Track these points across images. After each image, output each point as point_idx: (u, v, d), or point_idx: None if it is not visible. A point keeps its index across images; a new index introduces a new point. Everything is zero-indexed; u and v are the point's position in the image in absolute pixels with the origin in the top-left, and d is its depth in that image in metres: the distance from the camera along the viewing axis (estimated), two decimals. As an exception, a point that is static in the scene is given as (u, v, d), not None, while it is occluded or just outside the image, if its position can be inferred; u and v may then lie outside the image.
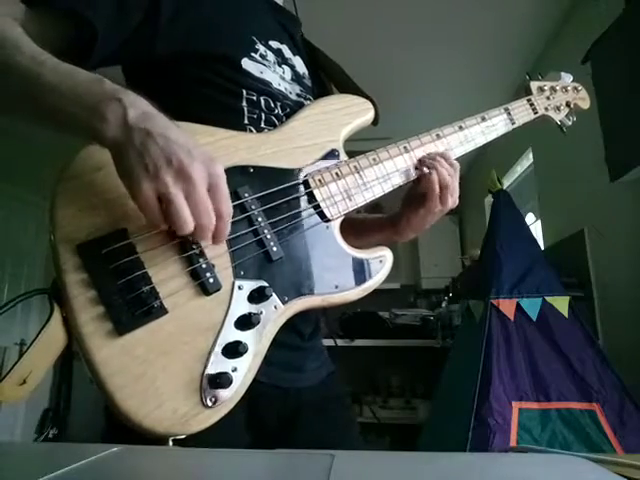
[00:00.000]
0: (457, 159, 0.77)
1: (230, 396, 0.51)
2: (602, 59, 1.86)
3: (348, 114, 0.73)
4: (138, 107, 0.47)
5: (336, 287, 0.63)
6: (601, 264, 2.16)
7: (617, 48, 1.79)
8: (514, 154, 3.30)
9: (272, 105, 0.70)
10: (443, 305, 3.40)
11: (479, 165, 3.87)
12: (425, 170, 0.72)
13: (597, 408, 1.55)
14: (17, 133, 3.18)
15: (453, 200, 0.74)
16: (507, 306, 1.76)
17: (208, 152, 0.49)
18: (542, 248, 2.34)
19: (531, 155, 3.07)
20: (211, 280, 0.53)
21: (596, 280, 2.18)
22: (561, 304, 1.76)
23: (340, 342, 3.07)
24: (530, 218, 3.09)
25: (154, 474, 0.37)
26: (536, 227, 2.93)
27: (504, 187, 2.26)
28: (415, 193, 0.75)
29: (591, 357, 1.65)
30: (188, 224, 0.47)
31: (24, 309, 3.49)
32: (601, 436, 1.49)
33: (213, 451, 0.41)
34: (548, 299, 1.76)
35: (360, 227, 0.81)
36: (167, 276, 0.51)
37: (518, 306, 1.76)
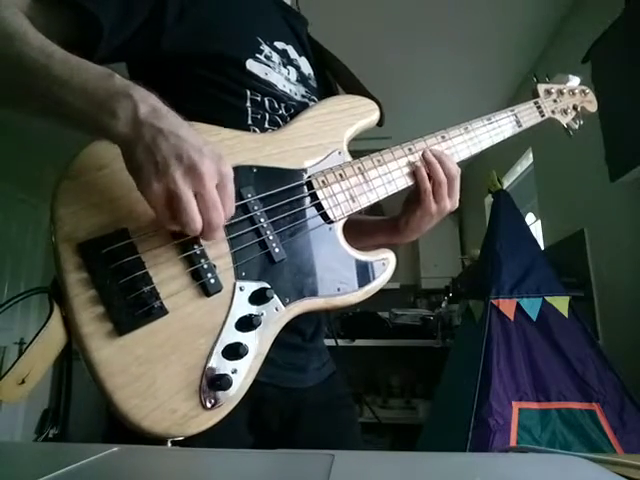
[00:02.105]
0: (459, 161, 0.76)
1: (230, 398, 0.50)
2: (602, 59, 1.86)
3: (352, 115, 0.73)
4: (149, 103, 0.47)
5: (338, 289, 0.62)
6: (601, 264, 2.16)
7: (617, 48, 1.79)
8: (514, 154, 3.30)
9: (276, 106, 0.70)
10: (443, 305, 3.40)
11: (479, 165, 3.87)
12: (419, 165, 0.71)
13: (597, 408, 1.55)
14: (17, 134, 3.17)
15: (452, 202, 0.72)
16: (507, 306, 1.76)
17: (217, 150, 0.49)
18: (542, 248, 2.34)
19: (531, 155, 3.07)
20: (212, 281, 0.53)
21: (596, 280, 2.18)
22: (561, 304, 1.76)
23: (340, 342, 3.07)
24: (530, 218, 3.09)
25: (154, 474, 0.37)
26: (536, 227, 2.93)
27: (504, 187, 2.26)
28: (413, 193, 0.74)
29: (591, 357, 1.65)
30: (196, 223, 0.46)
31: (23, 308, 3.49)
32: (601, 436, 1.49)
33: (213, 451, 0.41)
34: (548, 299, 1.76)
35: (360, 228, 0.81)
36: (168, 276, 0.51)
37: (518, 306, 1.76)
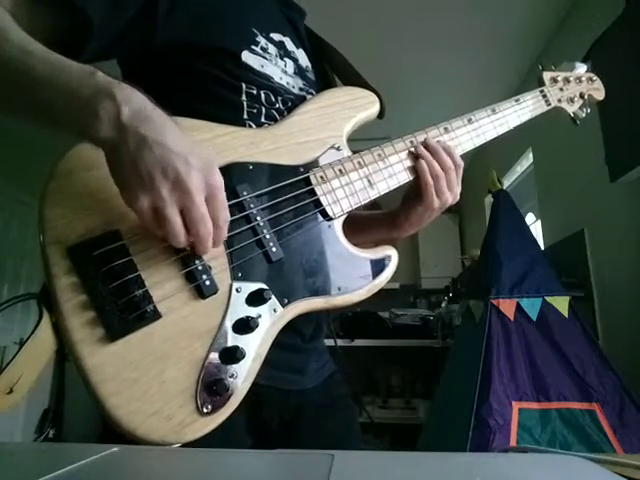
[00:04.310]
0: (463, 153, 0.74)
1: (227, 403, 0.49)
2: (602, 58, 1.86)
3: (352, 107, 0.70)
4: (133, 104, 0.45)
5: (339, 289, 0.61)
6: (601, 264, 2.15)
7: (617, 47, 1.79)
8: (514, 154, 3.29)
9: (273, 99, 0.68)
10: (443, 305, 3.41)
11: (479, 165, 3.87)
12: (418, 159, 0.70)
13: (597, 408, 1.55)
14: (18, 135, 3.17)
15: (453, 195, 0.71)
16: (507, 306, 1.76)
17: (206, 158, 0.47)
18: (542, 248, 2.34)
19: (531, 155, 3.07)
20: (207, 283, 0.51)
21: (596, 280, 2.18)
22: (561, 304, 1.76)
23: (340, 342, 3.07)
24: (530, 218, 3.09)
25: (154, 474, 0.37)
26: (536, 227, 2.93)
27: (504, 187, 2.26)
28: (413, 188, 0.73)
29: (591, 357, 1.65)
30: (180, 238, 0.45)
31: (24, 308, 3.48)
32: (601, 436, 1.49)
33: (213, 451, 0.41)
34: (548, 299, 1.76)
35: (356, 223, 0.78)
36: (161, 279, 0.50)
37: (518, 306, 1.76)
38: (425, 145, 0.71)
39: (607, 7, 1.95)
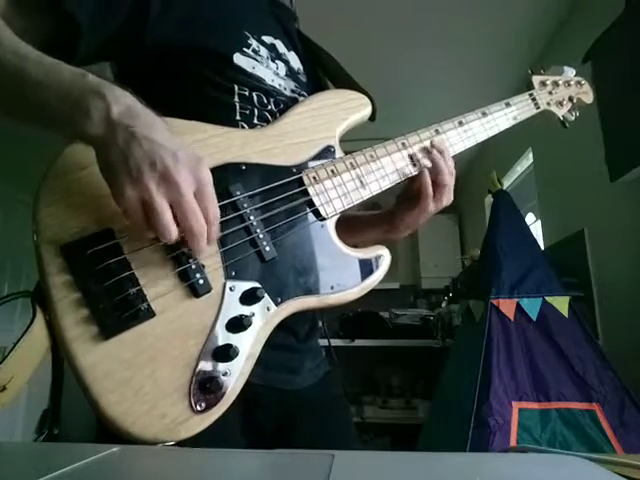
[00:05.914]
0: (457, 157, 0.75)
1: (221, 401, 0.49)
2: (602, 58, 1.86)
3: (344, 109, 0.71)
4: (122, 103, 0.46)
5: (332, 288, 0.61)
6: (601, 264, 2.15)
7: (618, 47, 1.79)
8: (514, 154, 3.29)
9: (265, 101, 0.69)
10: (443, 305, 3.40)
11: (479, 165, 3.87)
12: (419, 168, 0.72)
13: (597, 408, 1.54)
14: (17, 135, 3.17)
15: (447, 198, 0.73)
16: (507, 306, 1.76)
17: (194, 154, 0.48)
18: (542, 248, 2.34)
19: (531, 155, 3.07)
20: (201, 281, 0.51)
21: (596, 280, 2.18)
22: (561, 304, 1.76)
23: (340, 342, 3.07)
24: (530, 218, 3.08)
25: (154, 474, 0.37)
26: (536, 227, 2.93)
27: (504, 187, 2.26)
28: (409, 191, 0.74)
29: (591, 357, 1.65)
30: (170, 232, 0.45)
31: (24, 309, 3.46)
32: (601, 436, 1.49)
33: (213, 451, 0.41)
34: (548, 299, 1.76)
35: (354, 224, 0.80)
36: (155, 277, 0.50)
37: (518, 306, 1.75)
38: (430, 157, 0.72)
39: (607, 7, 1.94)
